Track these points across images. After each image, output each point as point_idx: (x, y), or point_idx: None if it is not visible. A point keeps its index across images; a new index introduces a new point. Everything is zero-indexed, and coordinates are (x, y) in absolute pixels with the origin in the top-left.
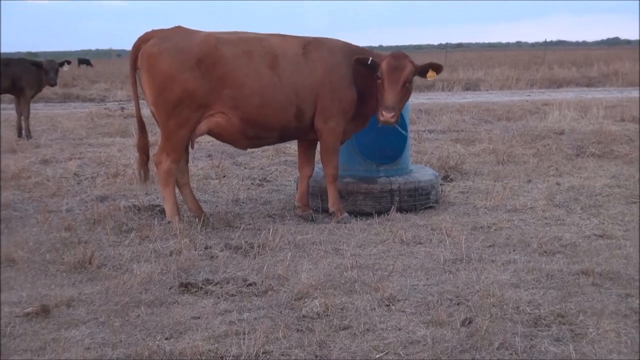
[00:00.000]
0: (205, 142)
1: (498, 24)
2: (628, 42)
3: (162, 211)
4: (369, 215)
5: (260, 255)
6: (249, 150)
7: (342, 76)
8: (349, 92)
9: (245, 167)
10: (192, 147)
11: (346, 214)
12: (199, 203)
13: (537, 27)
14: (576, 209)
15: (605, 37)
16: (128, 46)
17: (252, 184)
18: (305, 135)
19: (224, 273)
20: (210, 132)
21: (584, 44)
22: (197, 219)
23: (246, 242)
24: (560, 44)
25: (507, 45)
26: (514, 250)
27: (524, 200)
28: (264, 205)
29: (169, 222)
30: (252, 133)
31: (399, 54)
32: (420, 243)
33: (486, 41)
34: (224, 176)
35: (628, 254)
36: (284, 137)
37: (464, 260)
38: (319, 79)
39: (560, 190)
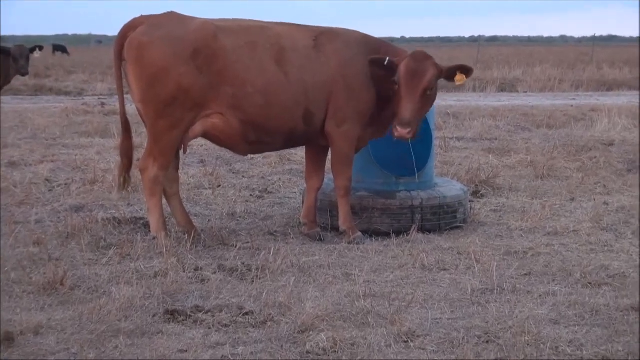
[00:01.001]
0: (197, 145)
1: (539, 14)
2: None
3: (147, 225)
4: (385, 235)
5: (259, 279)
6: (249, 156)
7: (359, 73)
8: (367, 91)
9: (243, 176)
10: (185, 152)
11: (359, 234)
12: (189, 217)
13: (585, 19)
14: (626, 233)
15: None
16: (111, 31)
17: (251, 195)
18: (314, 140)
19: (216, 299)
20: (206, 135)
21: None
22: (186, 235)
23: (243, 263)
24: (611, 39)
25: (550, 39)
26: (553, 281)
27: (566, 222)
28: (265, 221)
29: (153, 238)
30: (253, 137)
31: (420, 55)
32: (445, 269)
33: (525, 34)
34: (219, 186)
35: None
36: (290, 143)
37: (495, 291)
38: (332, 76)
39: (609, 211)
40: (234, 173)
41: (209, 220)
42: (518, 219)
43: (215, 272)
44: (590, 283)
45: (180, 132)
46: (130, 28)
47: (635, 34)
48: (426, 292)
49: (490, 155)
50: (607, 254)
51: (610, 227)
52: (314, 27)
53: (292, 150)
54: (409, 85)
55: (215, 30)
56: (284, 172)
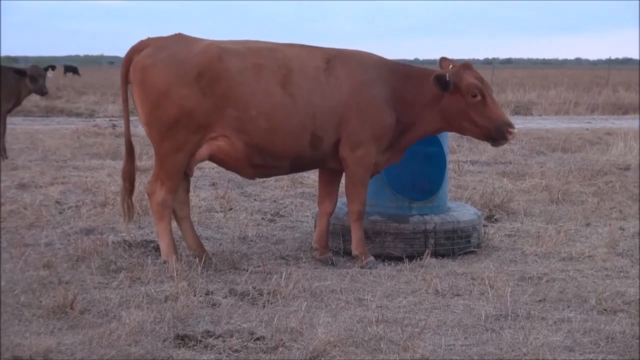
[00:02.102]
0: (209, 168)
1: (554, 36)
2: None
3: (157, 248)
4: (398, 259)
5: (271, 304)
6: (259, 179)
7: (373, 97)
8: (383, 115)
9: (255, 199)
10: (191, 175)
11: (372, 258)
12: (200, 240)
13: (600, 41)
14: None
15: None
16: (122, 52)
17: (262, 219)
18: (324, 164)
19: (227, 324)
20: (212, 158)
21: None
22: (197, 259)
23: (254, 288)
24: (626, 62)
25: (565, 62)
26: (568, 307)
27: (581, 247)
28: (276, 245)
29: (164, 262)
30: (258, 161)
31: (469, 64)
32: (458, 295)
33: (540, 57)
34: (230, 209)
35: None
36: (297, 167)
37: (510, 317)
38: (343, 100)
39: (624, 237)
40: (245, 196)
41: (220, 244)
42: (532, 244)
43: (226, 297)
44: (605, 310)
45: (186, 155)
46: (135, 51)
47: None
48: (439, 318)
49: (505, 179)
50: (623, 280)
51: (626, 253)
52: (327, 49)
53: (305, 174)
54: (489, 91)
55: (220, 52)
56: (296, 195)
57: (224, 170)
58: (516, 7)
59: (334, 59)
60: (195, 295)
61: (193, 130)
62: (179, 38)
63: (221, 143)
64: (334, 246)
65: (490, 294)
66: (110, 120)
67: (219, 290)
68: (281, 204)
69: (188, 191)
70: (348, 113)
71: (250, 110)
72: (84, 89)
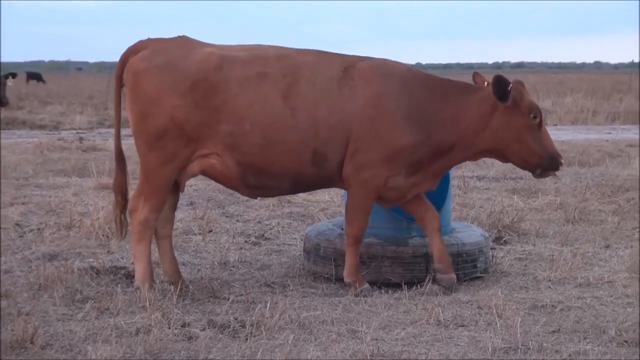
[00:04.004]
0: (187, 186)
1: (570, 38)
2: None
3: (128, 275)
4: (396, 286)
5: (254, 337)
6: (243, 197)
7: (391, 112)
8: (398, 133)
9: (237, 220)
10: (182, 191)
11: (367, 285)
12: (177, 265)
13: (622, 43)
14: None
15: None
16: (92, 58)
17: (245, 242)
18: (334, 184)
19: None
20: (205, 174)
21: None
22: (172, 287)
23: (235, 319)
24: None
25: (583, 66)
26: (584, 338)
27: (600, 271)
28: (261, 271)
29: (136, 289)
30: (253, 181)
31: (522, 81)
32: (463, 325)
33: (555, 60)
34: (210, 231)
35: None
36: (299, 187)
37: (520, 350)
38: (355, 113)
39: None
40: (227, 216)
41: (198, 270)
42: (546, 268)
43: (204, 329)
44: (626, 341)
45: (174, 169)
46: (132, 52)
47: None
48: (442, 351)
49: (515, 197)
50: None
51: None
52: (348, 56)
53: None
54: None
55: (220, 61)
56: (283, 215)
57: (203, 188)
58: (529, 7)
59: (352, 67)
60: (169, 328)
61: (183, 144)
62: (181, 42)
63: (214, 161)
64: (324, 272)
65: (498, 324)
66: (77, 133)
67: (196, 321)
68: (266, 225)
69: (174, 208)
70: (359, 128)
71: (244, 124)
72: (48, 98)
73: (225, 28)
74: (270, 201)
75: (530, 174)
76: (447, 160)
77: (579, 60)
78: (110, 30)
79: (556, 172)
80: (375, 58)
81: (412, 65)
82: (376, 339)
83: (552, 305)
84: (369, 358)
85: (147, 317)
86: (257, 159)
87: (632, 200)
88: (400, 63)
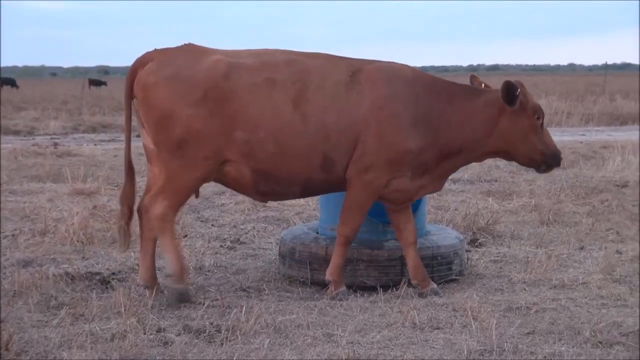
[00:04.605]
0: None
1: (545, 40)
2: None
3: (103, 281)
4: (372, 290)
5: (229, 341)
6: (218, 202)
7: (396, 116)
8: (404, 137)
9: (212, 225)
10: (197, 197)
11: (344, 288)
12: (154, 270)
13: (596, 45)
14: None
15: None
16: (65, 62)
17: (221, 246)
18: (341, 188)
19: None
20: (217, 181)
21: None
22: (147, 291)
23: (211, 323)
24: (625, 67)
25: (557, 68)
26: (559, 340)
27: (575, 273)
28: (236, 276)
29: (167, 277)
30: (265, 188)
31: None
32: (438, 328)
33: (529, 63)
34: (185, 236)
35: None
36: (309, 191)
37: (495, 352)
38: (362, 117)
39: (622, 261)
40: (202, 221)
41: None
42: (521, 270)
43: (179, 334)
44: (601, 342)
45: (197, 178)
46: (140, 64)
47: None
48: (417, 354)
49: (490, 199)
50: (621, 309)
51: (623, 279)
52: (355, 60)
53: None
54: None
55: (228, 68)
56: (258, 219)
57: None
58: (503, 9)
59: (359, 72)
60: (145, 333)
61: (203, 156)
62: (187, 50)
63: (228, 168)
64: (300, 275)
65: (473, 326)
66: (51, 138)
67: (171, 326)
68: (242, 229)
69: None
70: (365, 132)
71: (259, 131)
72: (22, 103)
73: (203, 28)
74: (246, 205)
75: (508, 176)
76: (454, 162)
77: (553, 63)
78: (86, 34)
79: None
80: (381, 61)
81: None
82: (352, 343)
83: (527, 307)
84: None
85: (122, 322)
86: (269, 166)
87: (606, 201)
88: (406, 66)
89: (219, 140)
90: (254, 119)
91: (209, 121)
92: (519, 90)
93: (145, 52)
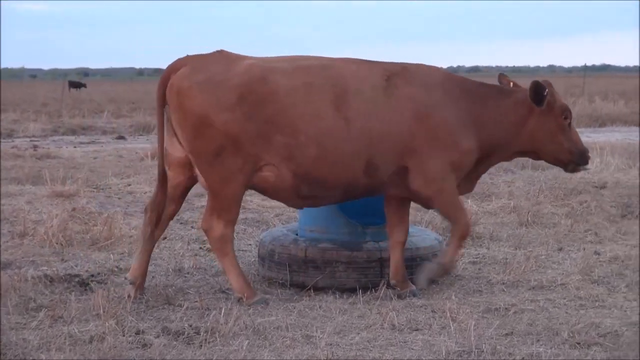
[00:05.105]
0: (140, 193)
1: (525, 42)
2: None
3: (82, 283)
4: (351, 291)
5: (208, 343)
6: (198, 204)
7: (444, 119)
8: (459, 138)
9: (192, 227)
10: None
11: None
12: (146, 270)
13: (576, 46)
14: (620, 286)
15: None
16: (46, 65)
17: (200, 248)
18: (381, 192)
19: None
20: (253, 188)
21: (636, 69)
22: (130, 287)
23: (190, 325)
24: (604, 69)
25: (537, 69)
26: (537, 341)
27: (553, 274)
28: (215, 277)
29: (239, 300)
30: (306, 191)
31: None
32: (417, 329)
33: (509, 64)
34: (164, 238)
35: None
36: (350, 195)
37: (474, 353)
38: (407, 127)
39: (600, 262)
40: (181, 223)
41: (152, 277)
42: (499, 271)
43: (158, 336)
44: (579, 343)
45: (240, 185)
46: (172, 70)
47: (633, 63)
48: (396, 355)
49: (469, 200)
50: (599, 310)
51: (602, 280)
52: (388, 64)
53: (247, 197)
54: None
55: (263, 72)
56: (237, 221)
57: None
58: (484, 10)
59: (395, 76)
60: (124, 335)
61: (242, 159)
62: (219, 56)
63: (266, 173)
64: (279, 277)
65: (452, 327)
66: (31, 140)
67: (150, 329)
68: None
69: (172, 217)
70: (414, 142)
71: (300, 135)
72: (2, 105)
73: (184, 29)
74: None
75: (487, 178)
76: (488, 162)
77: (533, 64)
78: (64, 35)
79: (586, 167)
80: (413, 65)
81: None
82: (331, 344)
83: (506, 308)
84: None
85: (101, 324)
86: (312, 169)
87: (585, 203)
88: (438, 68)
89: (256, 144)
90: (293, 122)
91: (246, 125)
92: (546, 90)
93: (177, 58)
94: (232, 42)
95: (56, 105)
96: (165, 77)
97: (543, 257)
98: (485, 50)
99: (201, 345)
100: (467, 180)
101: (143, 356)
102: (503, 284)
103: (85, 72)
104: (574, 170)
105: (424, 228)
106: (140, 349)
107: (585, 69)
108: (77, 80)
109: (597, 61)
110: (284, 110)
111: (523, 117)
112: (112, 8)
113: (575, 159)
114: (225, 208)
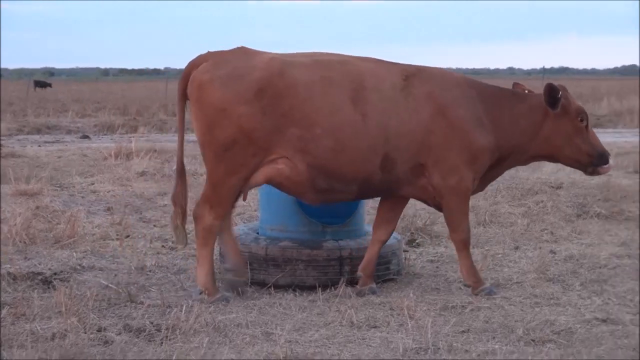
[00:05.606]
0: (104, 192)
1: (485, 44)
2: None
3: (45, 281)
4: (311, 289)
5: (169, 340)
6: (161, 203)
7: (459, 118)
8: (474, 136)
9: (154, 225)
10: (244, 200)
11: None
12: (239, 251)
13: (535, 49)
14: (574, 284)
15: (619, 65)
16: (11, 64)
17: (162, 247)
18: (398, 190)
19: None
20: (270, 182)
21: (593, 72)
22: (239, 280)
23: (151, 322)
24: (563, 71)
25: (496, 72)
26: (493, 338)
27: (509, 272)
28: (177, 275)
29: (200, 294)
30: (323, 184)
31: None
32: (375, 327)
33: (469, 66)
34: (127, 236)
35: (637, 344)
36: (367, 192)
37: (430, 350)
38: (423, 125)
39: (556, 261)
40: (144, 222)
41: (115, 275)
42: (457, 269)
43: (120, 333)
44: (533, 340)
45: (241, 180)
46: (194, 65)
47: (589, 66)
48: (354, 352)
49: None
50: (553, 308)
51: (557, 278)
52: (405, 65)
53: None
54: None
55: (282, 66)
56: None
57: (120, 194)
58: (443, 12)
59: (412, 76)
60: (85, 332)
61: (252, 153)
62: (240, 52)
63: (281, 166)
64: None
65: (409, 325)
66: None
67: (112, 326)
68: None
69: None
70: (430, 139)
71: (315, 128)
72: None
73: (149, 29)
74: (188, 206)
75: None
76: (503, 166)
77: (492, 67)
78: (30, 35)
79: (608, 170)
80: (430, 67)
81: None
82: (290, 341)
83: (463, 306)
84: (282, 359)
85: (63, 322)
86: (329, 162)
87: (541, 202)
88: (453, 72)
89: (269, 137)
90: (310, 115)
91: (261, 119)
92: (560, 93)
93: (198, 54)
94: (200, 42)
95: (21, 104)
96: (186, 72)
97: (500, 255)
98: (443, 52)
99: (162, 342)
100: (482, 183)
101: (104, 353)
102: (460, 282)
103: (51, 72)
104: (593, 172)
105: None
106: (101, 346)
107: (544, 71)
108: (42, 79)
109: (556, 64)
110: (301, 103)
111: (538, 121)
112: (79, 8)
113: (594, 161)
114: (220, 201)
